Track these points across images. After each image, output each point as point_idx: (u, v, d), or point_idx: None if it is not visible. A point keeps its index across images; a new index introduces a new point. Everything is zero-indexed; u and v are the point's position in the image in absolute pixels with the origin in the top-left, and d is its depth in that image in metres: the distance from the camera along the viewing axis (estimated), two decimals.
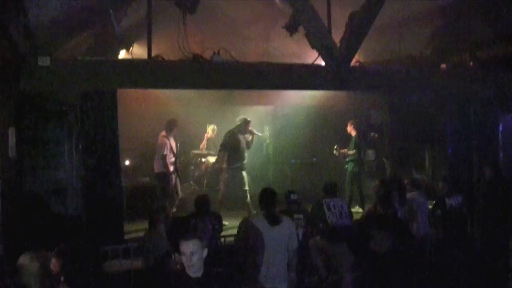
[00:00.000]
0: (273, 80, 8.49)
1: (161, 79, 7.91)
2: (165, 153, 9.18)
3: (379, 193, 6.99)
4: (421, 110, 11.03)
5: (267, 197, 5.52)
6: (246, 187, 9.46)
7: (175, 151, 9.59)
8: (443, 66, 10.15)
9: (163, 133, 9.38)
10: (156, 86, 8.39)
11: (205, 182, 11.86)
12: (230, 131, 9.61)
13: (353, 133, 10.69)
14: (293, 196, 6.91)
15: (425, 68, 9.95)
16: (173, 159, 9.42)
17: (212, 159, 11.69)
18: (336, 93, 10.79)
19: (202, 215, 6.72)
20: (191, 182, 12.07)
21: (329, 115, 12.39)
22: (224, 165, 9.47)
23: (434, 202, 8.07)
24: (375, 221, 5.59)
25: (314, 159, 12.58)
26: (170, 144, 9.38)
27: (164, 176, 9.37)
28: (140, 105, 10.90)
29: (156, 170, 9.43)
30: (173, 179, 9.40)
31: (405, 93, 10.66)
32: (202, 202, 6.86)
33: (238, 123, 9.68)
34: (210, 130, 11.87)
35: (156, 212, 6.26)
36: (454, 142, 10.09)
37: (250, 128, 9.74)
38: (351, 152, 10.62)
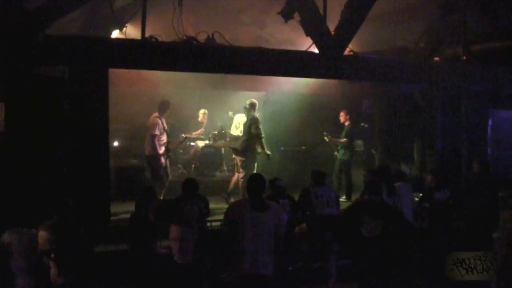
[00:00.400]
0: (266, 66, 8.46)
1: (154, 60, 7.84)
2: (155, 133, 9.03)
3: (366, 181, 7.04)
4: (412, 102, 11.06)
5: (255, 183, 5.44)
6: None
7: (167, 132, 9.53)
8: (436, 59, 10.13)
9: (156, 114, 9.26)
10: (149, 67, 8.27)
11: (193, 166, 11.85)
12: (255, 117, 9.51)
13: (347, 123, 10.72)
14: (278, 182, 6.94)
15: (418, 60, 9.94)
16: (165, 140, 9.31)
17: (201, 143, 11.76)
18: (329, 81, 10.75)
19: (190, 199, 6.70)
20: (179, 165, 12.02)
21: (321, 103, 12.30)
22: (260, 151, 9.50)
23: (421, 194, 8.09)
24: (364, 207, 5.71)
25: (304, 147, 12.49)
26: (162, 124, 9.27)
27: (155, 158, 9.26)
28: (130, 86, 10.79)
29: (147, 152, 9.31)
30: (164, 161, 9.30)
31: (397, 84, 10.77)
32: (190, 186, 6.82)
33: (247, 107, 9.62)
34: (201, 114, 12.00)
35: (143, 194, 6.20)
36: (443, 135, 10.06)
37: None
38: (342, 140, 10.60)
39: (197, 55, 7.97)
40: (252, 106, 9.46)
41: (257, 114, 9.53)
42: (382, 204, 5.90)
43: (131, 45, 7.76)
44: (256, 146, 9.42)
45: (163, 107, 9.39)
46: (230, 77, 10.75)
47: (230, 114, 12.02)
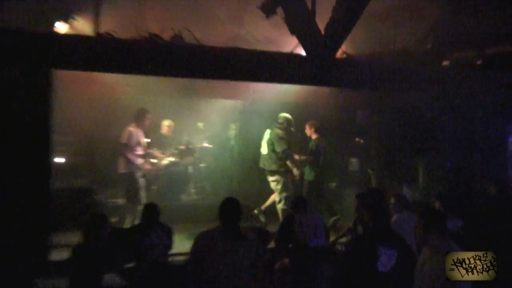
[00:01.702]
0: (244, 69, 8.38)
1: (109, 61, 7.69)
2: (124, 141, 9.07)
3: (367, 204, 6.86)
4: (417, 114, 10.93)
5: (228, 209, 5.38)
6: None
7: (144, 146, 9.56)
8: (445, 63, 10.07)
9: (133, 125, 9.34)
10: (102, 69, 8.05)
11: (155, 188, 11.53)
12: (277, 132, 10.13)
13: (314, 136, 10.70)
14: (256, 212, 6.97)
15: (423, 65, 9.81)
16: (140, 154, 9.38)
17: (165, 161, 11.49)
18: (317, 88, 10.61)
19: (149, 228, 6.69)
20: None
21: (308, 114, 11.88)
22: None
23: None
24: (377, 236, 5.69)
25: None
26: (136, 137, 9.29)
27: (128, 177, 9.27)
28: (80, 90, 10.41)
29: (120, 170, 9.30)
30: (140, 182, 9.35)
31: (399, 93, 10.57)
32: (151, 213, 6.82)
33: (281, 122, 10.16)
34: (165, 126, 11.73)
35: (92, 222, 6.15)
36: (454, 153, 10.03)
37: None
38: (303, 157, 10.61)
39: (162, 55, 7.85)
40: (287, 121, 10.19)
41: (279, 130, 10.11)
42: (392, 232, 5.98)
43: (81, 42, 7.58)
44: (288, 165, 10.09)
45: (139, 116, 9.47)
46: (200, 82, 10.38)
47: (199, 126, 12.18)
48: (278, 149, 9.99)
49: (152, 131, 11.04)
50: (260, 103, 12.03)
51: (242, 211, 5.47)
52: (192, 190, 12.26)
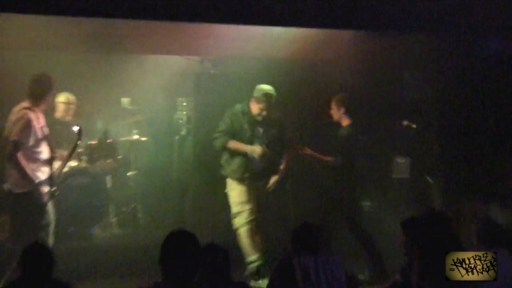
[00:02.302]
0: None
1: None
2: (21, 139, 7.48)
3: (423, 239, 6.17)
4: (508, 81, 9.81)
5: (176, 252, 4.94)
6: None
7: (49, 142, 7.96)
8: None
9: (25, 103, 7.77)
10: None
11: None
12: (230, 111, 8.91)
13: (345, 121, 8.94)
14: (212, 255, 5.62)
15: None
16: (45, 157, 7.82)
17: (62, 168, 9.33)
18: (329, 34, 9.63)
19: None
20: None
21: (311, 80, 10.57)
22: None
23: None
24: None
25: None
26: (37, 125, 7.71)
27: (28, 199, 7.67)
28: None
29: (10, 187, 7.70)
30: (45, 201, 7.75)
31: (478, 41, 9.76)
32: (36, 261, 5.48)
33: (258, 98, 8.65)
34: (62, 104, 9.73)
35: None
36: None
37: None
38: (327, 157, 8.94)
39: None
40: (267, 98, 8.71)
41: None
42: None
43: None
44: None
45: (39, 89, 7.90)
46: (125, 25, 9.15)
47: (124, 104, 10.50)
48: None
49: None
50: (231, 61, 10.71)
51: (199, 254, 5.03)
52: (113, 219, 10.34)
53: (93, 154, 9.84)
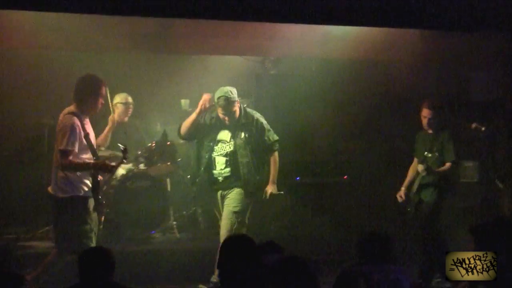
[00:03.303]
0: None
1: None
2: (67, 147, 7.36)
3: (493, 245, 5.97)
4: None
5: (235, 255, 4.90)
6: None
7: (95, 148, 7.89)
8: None
9: (71, 108, 7.61)
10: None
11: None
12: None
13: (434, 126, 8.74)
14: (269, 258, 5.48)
15: None
16: (91, 162, 7.74)
17: (119, 169, 9.30)
18: (394, 34, 9.59)
19: None
20: None
21: (387, 82, 10.67)
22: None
23: None
24: None
25: (345, 176, 10.41)
26: (82, 131, 7.56)
27: (69, 203, 7.51)
28: None
29: (53, 191, 7.57)
30: (91, 213, 7.65)
31: None
32: (96, 266, 5.41)
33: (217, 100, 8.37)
34: (119, 105, 9.68)
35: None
36: None
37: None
38: (442, 168, 8.49)
39: None
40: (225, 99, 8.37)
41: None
42: None
43: None
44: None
45: (82, 91, 7.71)
46: (184, 25, 9.29)
47: (184, 105, 10.34)
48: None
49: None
50: (292, 61, 10.79)
51: (253, 257, 4.96)
52: (174, 223, 10.18)
53: (152, 156, 9.85)
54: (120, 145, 8.04)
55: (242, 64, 10.68)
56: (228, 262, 4.94)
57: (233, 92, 8.12)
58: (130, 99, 9.71)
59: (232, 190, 8.06)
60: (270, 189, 8.14)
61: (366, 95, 10.73)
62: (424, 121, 8.62)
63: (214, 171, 8.15)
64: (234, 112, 8.27)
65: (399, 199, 8.88)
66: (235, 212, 8.02)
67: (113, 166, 7.86)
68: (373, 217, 9.91)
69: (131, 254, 8.73)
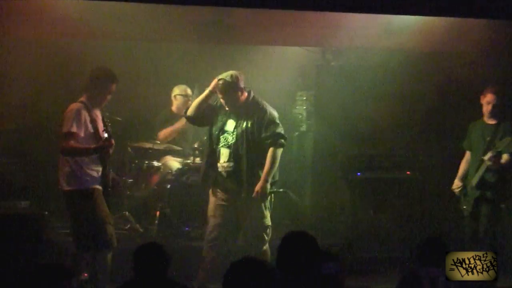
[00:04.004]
0: None
1: None
2: (71, 130, 7.35)
3: None
4: None
5: (293, 253, 4.83)
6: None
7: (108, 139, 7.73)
8: None
9: (82, 98, 7.66)
10: None
11: (157, 213, 9.53)
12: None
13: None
14: (328, 267, 5.46)
15: None
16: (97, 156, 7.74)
17: (175, 163, 9.63)
18: (463, 24, 9.35)
19: None
20: (126, 213, 9.56)
21: (451, 77, 10.25)
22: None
23: None
24: None
25: (408, 172, 10.10)
26: (90, 121, 7.58)
27: (78, 197, 7.54)
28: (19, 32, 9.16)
29: (63, 186, 7.56)
30: (102, 203, 7.63)
31: None
32: (151, 261, 5.48)
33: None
34: (178, 96, 9.86)
35: (37, 278, 4.85)
36: None
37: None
38: (503, 158, 8.31)
39: None
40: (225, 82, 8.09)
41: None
42: None
43: None
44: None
45: (96, 83, 7.74)
46: (243, 15, 9.24)
47: None
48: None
49: (154, 106, 10.20)
50: (354, 52, 10.63)
51: (318, 254, 4.97)
52: None
53: None
54: (104, 133, 7.92)
55: (302, 55, 10.59)
56: (291, 261, 4.82)
57: (235, 76, 7.82)
58: (189, 91, 9.67)
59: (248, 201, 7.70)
60: (258, 187, 7.68)
61: (430, 87, 10.47)
62: (487, 108, 8.41)
63: (218, 164, 7.87)
64: (235, 98, 7.96)
65: (456, 190, 8.66)
66: (266, 226, 7.78)
67: (110, 144, 7.67)
68: (436, 214, 9.77)
69: (186, 250, 8.77)
